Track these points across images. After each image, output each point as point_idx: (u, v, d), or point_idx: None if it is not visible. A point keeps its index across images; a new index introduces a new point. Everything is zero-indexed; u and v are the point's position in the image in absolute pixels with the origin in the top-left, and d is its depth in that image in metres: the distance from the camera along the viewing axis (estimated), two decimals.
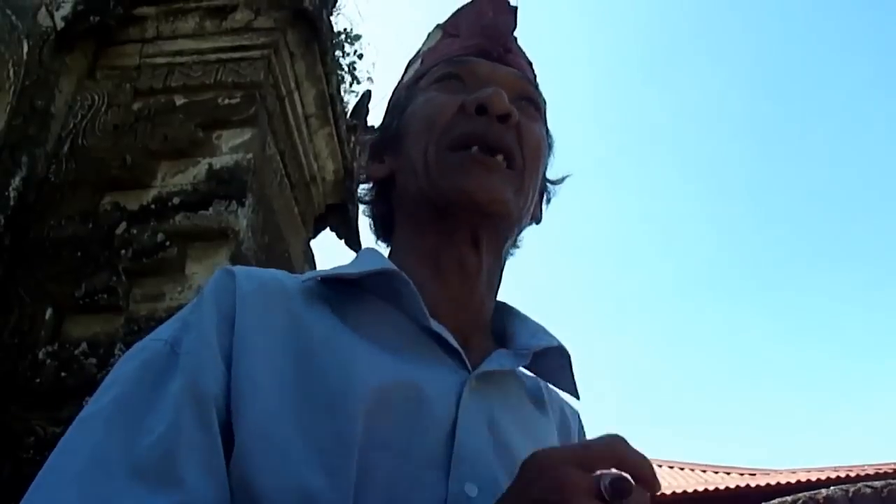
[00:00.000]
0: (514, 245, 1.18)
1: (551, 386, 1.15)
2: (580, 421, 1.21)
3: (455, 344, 0.97)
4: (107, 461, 0.79)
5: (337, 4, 5.30)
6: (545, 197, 1.22)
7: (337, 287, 1.00)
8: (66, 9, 4.56)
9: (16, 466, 3.25)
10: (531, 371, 1.10)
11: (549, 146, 1.19)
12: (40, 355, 3.57)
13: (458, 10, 1.24)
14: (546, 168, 1.18)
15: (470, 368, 0.97)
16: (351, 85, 8.88)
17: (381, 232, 1.20)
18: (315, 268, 5.46)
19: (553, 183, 1.22)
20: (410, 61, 1.27)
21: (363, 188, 1.24)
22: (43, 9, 4.54)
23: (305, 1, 4.46)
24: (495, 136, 1.05)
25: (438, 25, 1.26)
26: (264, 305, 0.94)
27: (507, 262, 1.16)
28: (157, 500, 0.77)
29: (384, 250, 1.14)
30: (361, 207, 1.26)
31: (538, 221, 1.20)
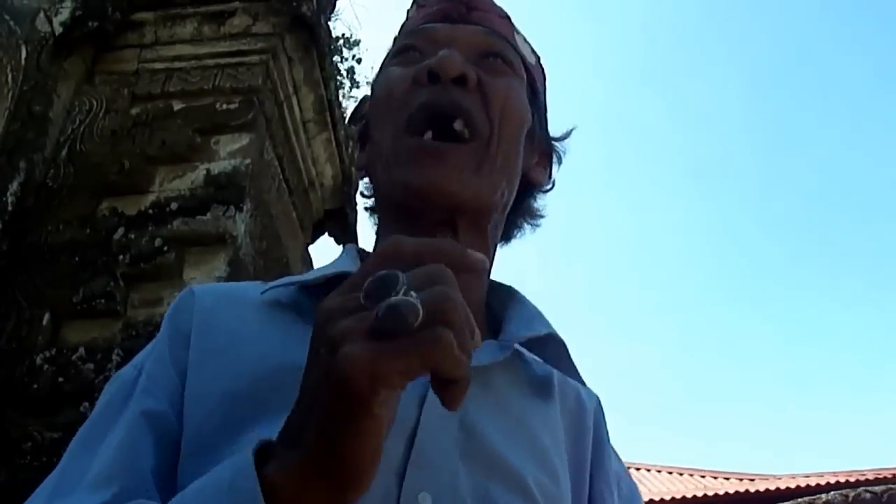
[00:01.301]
0: (531, 217, 1.14)
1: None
2: (600, 405, 1.11)
3: None
4: (70, 479, 0.86)
5: (335, 10, 5.30)
6: (553, 157, 1.15)
7: (304, 293, 0.98)
8: (64, 14, 4.55)
9: (12, 472, 3.24)
10: (539, 357, 1.02)
11: (538, 101, 1.13)
12: (38, 360, 3.56)
13: None
14: (536, 125, 1.10)
15: None
16: (350, 90, 8.90)
17: (375, 222, 1.15)
18: None
19: (557, 140, 1.15)
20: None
21: (363, 181, 1.18)
22: (41, 14, 4.54)
23: (303, 6, 4.45)
24: (450, 102, 0.98)
25: (414, 0, 1.18)
26: (219, 319, 0.94)
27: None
28: (89, 498, 0.81)
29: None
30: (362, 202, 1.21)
31: (545, 186, 1.14)
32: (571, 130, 1.16)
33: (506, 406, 0.96)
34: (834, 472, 14.01)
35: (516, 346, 1.00)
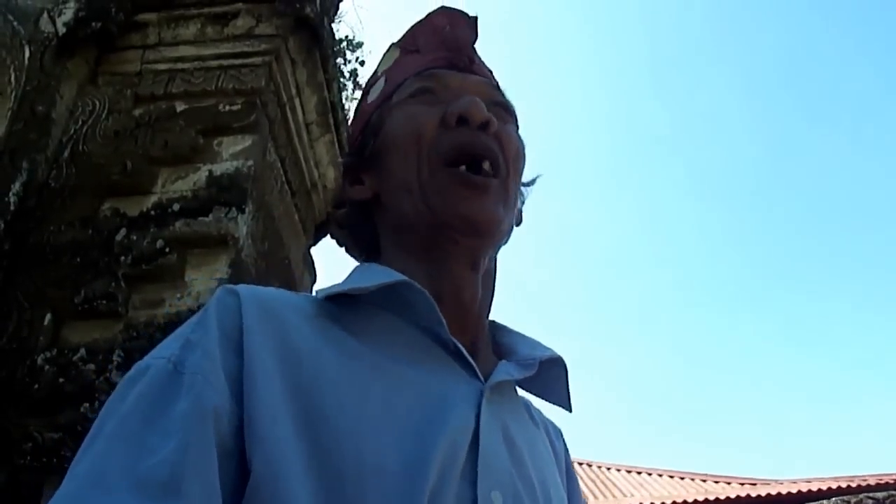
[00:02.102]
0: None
1: (534, 405, 1.16)
2: (564, 440, 1.21)
3: (468, 356, 0.97)
4: (105, 480, 0.77)
5: (339, 12, 5.31)
6: (521, 199, 1.21)
7: (344, 303, 0.99)
8: (67, 14, 4.56)
9: (13, 472, 3.25)
10: (524, 388, 1.11)
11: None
12: (39, 361, 3.56)
13: (413, 27, 1.24)
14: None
15: (482, 379, 0.97)
16: (353, 91, 8.90)
17: (363, 255, 1.18)
18: (315, 275, 5.46)
19: (526, 185, 1.20)
20: (370, 81, 1.27)
21: (339, 213, 1.22)
22: (45, 14, 4.55)
23: (307, 8, 4.46)
24: (482, 145, 1.06)
25: (394, 44, 1.26)
26: (271, 328, 0.91)
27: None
28: None
29: None
30: (336, 234, 1.25)
31: (519, 224, 1.19)
32: (537, 178, 1.22)
33: (524, 426, 1.05)
34: (836, 478, 13.99)
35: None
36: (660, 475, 16.75)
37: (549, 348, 1.09)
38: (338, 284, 1.03)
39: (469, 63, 1.19)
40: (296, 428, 0.83)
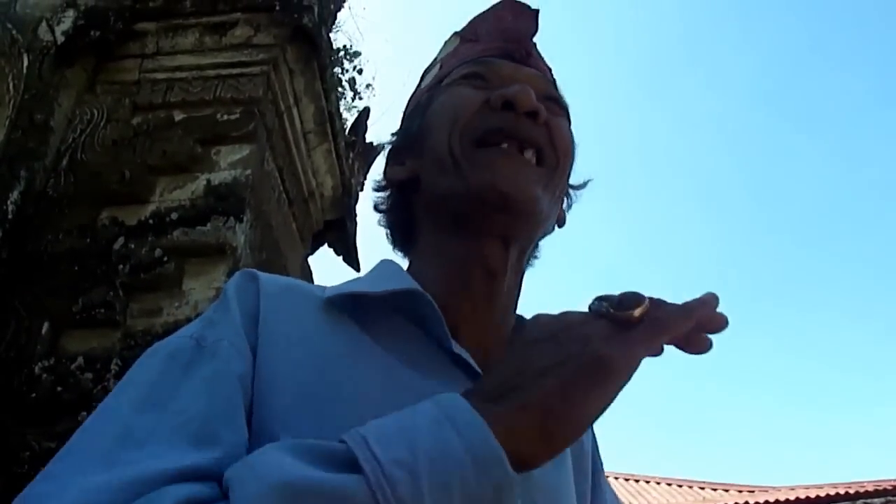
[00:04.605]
0: (534, 255, 1.16)
1: None
2: (594, 435, 1.20)
3: (476, 367, 0.96)
4: (137, 436, 0.76)
5: (336, 21, 5.32)
6: (567, 202, 1.18)
7: (358, 300, 0.98)
8: (66, 23, 4.58)
9: (10, 481, 3.24)
10: None
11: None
12: (36, 370, 3.57)
13: (477, 17, 1.22)
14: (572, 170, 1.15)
15: None
16: (353, 100, 8.91)
17: (400, 241, 1.17)
18: (312, 283, 5.46)
19: (575, 188, 1.18)
20: (428, 68, 1.26)
21: (378, 196, 1.20)
22: (43, 23, 4.57)
23: (305, 18, 4.47)
24: (526, 131, 1.03)
25: (455, 32, 1.24)
26: (289, 308, 0.93)
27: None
28: (201, 454, 0.74)
29: (401, 261, 1.11)
30: (377, 217, 1.21)
31: (561, 225, 1.17)
32: (588, 182, 1.20)
33: None
34: (833, 484, 13.98)
35: None
36: (657, 483, 16.74)
37: None
38: (353, 282, 1.03)
39: (526, 56, 1.16)
40: (295, 402, 0.85)
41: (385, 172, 1.18)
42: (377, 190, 1.20)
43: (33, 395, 3.50)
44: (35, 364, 3.59)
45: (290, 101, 4.66)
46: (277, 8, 4.54)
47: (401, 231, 1.16)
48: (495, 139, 1.02)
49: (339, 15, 5.41)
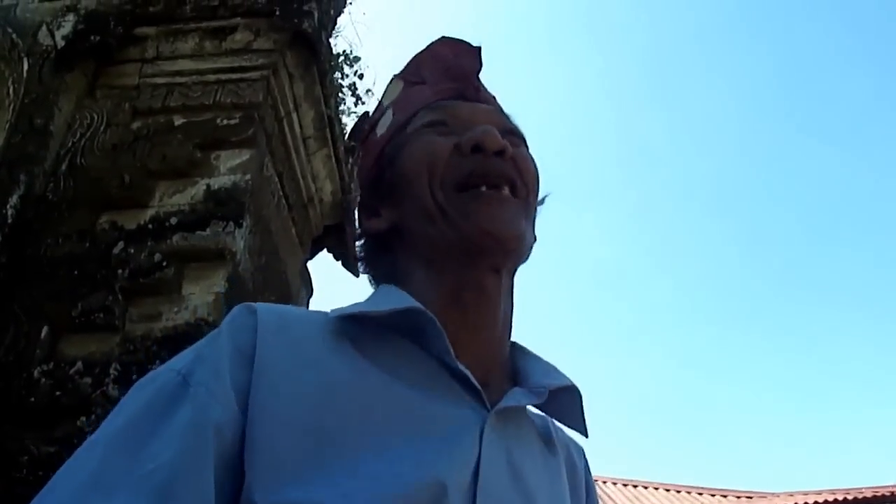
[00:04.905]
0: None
1: (558, 424, 1.16)
2: (585, 459, 1.23)
3: (476, 383, 0.98)
4: (106, 481, 0.81)
5: (336, 26, 5.33)
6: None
7: (360, 323, 1.01)
8: (66, 28, 4.58)
9: (8, 486, 3.24)
10: (543, 411, 1.12)
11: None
12: (35, 374, 3.56)
13: (416, 57, 1.28)
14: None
15: (489, 407, 0.98)
16: (356, 105, 8.92)
17: (387, 283, 1.17)
18: (312, 289, 5.48)
19: (538, 204, 1.22)
20: (375, 115, 1.30)
21: (356, 246, 1.25)
22: (44, 27, 4.57)
23: (305, 23, 4.48)
24: (499, 170, 1.09)
25: (396, 75, 1.30)
26: (288, 341, 0.94)
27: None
28: None
29: None
30: (359, 266, 1.27)
31: (533, 241, 1.19)
32: (546, 196, 1.24)
33: (532, 449, 1.07)
34: (832, 490, 13.99)
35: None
36: (656, 488, 16.73)
37: (563, 375, 1.10)
38: (354, 305, 1.05)
39: (476, 92, 1.22)
40: (297, 435, 0.86)
41: (360, 224, 1.23)
42: (353, 241, 1.25)
43: (32, 399, 3.49)
44: (34, 368, 3.58)
45: (289, 106, 4.66)
46: (277, 13, 4.54)
47: (386, 276, 1.18)
48: (473, 183, 1.07)
49: (339, 20, 5.43)
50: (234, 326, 0.95)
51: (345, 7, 5.40)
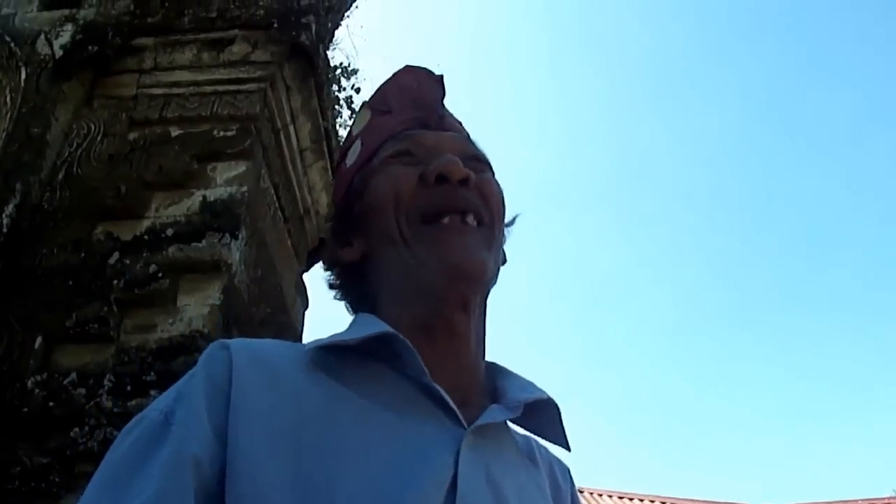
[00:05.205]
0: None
1: (542, 442, 1.17)
2: (570, 476, 1.23)
3: (450, 402, 0.99)
4: None
5: (334, 39, 5.34)
6: (504, 240, 1.25)
7: (337, 352, 1.03)
8: (64, 37, 4.59)
9: (1, 497, 3.24)
10: (523, 427, 1.13)
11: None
12: (28, 384, 3.56)
13: (382, 86, 1.30)
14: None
15: (465, 425, 0.99)
16: (351, 117, 8.94)
17: (361, 310, 1.20)
18: (307, 301, 5.48)
19: (507, 226, 1.24)
20: (346, 145, 1.32)
21: (330, 275, 1.26)
22: (42, 37, 4.58)
23: (302, 35, 4.49)
24: (464, 200, 1.10)
25: (365, 104, 1.31)
26: (263, 374, 0.96)
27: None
28: None
29: None
30: (334, 294, 1.27)
31: (503, 263, 1.23)
32: (516, 217, 1.26)
33: (513, 466, 1.07)
34: (828, 502, 14.00)
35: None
36: (651, 501, 16.72)
37: (540, 390, 1.11)
38: (331, 336, 1.06)
39: (440, 120, 1.24)
40: (275, 464, 0.89)
41: (333, 254, 1.23)
42: (327, 269, 1.25)
43: (25, 409, 3.49)
44: (27, 379, 3.58)
45: (286, 118, 4.67)
46: (275, 25, 4.56)
47: (359, 304, 1.20)
48: (437, 214, 1.09)
49: (336, 33, 5.45)
50: (208, 364, 0.98)
51: (342, 20, 5.43)
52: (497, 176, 1.24)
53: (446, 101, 1.27)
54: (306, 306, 5.45)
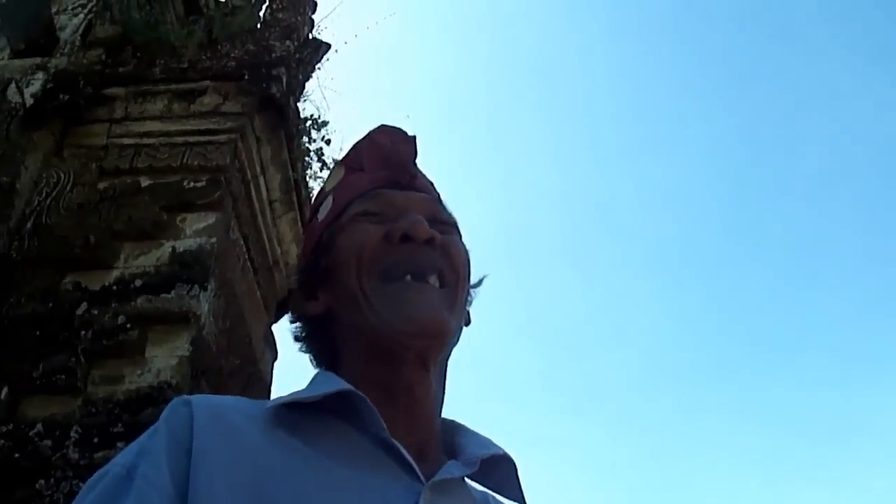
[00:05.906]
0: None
1: (499, 498, 1.19)
2: None
3: (409, 457, 1.01)
4: None
5: (305, 91, 5.37)
6: (469, 301, 1.27)
7: (297, 410, 1.05)
8: (35, 86, 4.60)
9: None
10: (480, 483, 1.15)
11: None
12: None
13: (356, 145, 1.31)
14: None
15: (424, 480, 1.01)
16: (321, 170, 8.95)
17: (324, 364, 1.22)
18: (276, 353, 5.46)
19: (474, 287, 1.26)
20: (318, 200, 1.33)
21: (295, 327, 1.26)
22: (13, 85, 4.57)
23: (273, 87, 4.53)
24: (426, 260, 1.12)
25: (338, 161, 1.34)
26: (223, 430, 0.98)
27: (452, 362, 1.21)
28: None
29: None
30: (299, 346, 1.28)
31: (468, 324, 1.25)
32: (483, 279, 1.29)
33: None
34: None
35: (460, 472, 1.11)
36: None
37: (496, 446, 1.13)
38: (291, 393, 1.08)
39: (411, 179, 1.25)
40: None
41: (299, 307, 1.24)
42: (293, 322, 1.26)
43: None
44: None
45: (256, 169, 4.70)
46: (246, 77, 4.60)
47: (323, 357, 1.22)
48: (399, 273, 1.10)
49: (307, 85, 5.47)
50: (170, 419, 0.99)
51: (313, 72, 5.45)
52: (464, 237, 1.25)
53: (419, 162, 1.29)
54: (275, 357, 5.44)
